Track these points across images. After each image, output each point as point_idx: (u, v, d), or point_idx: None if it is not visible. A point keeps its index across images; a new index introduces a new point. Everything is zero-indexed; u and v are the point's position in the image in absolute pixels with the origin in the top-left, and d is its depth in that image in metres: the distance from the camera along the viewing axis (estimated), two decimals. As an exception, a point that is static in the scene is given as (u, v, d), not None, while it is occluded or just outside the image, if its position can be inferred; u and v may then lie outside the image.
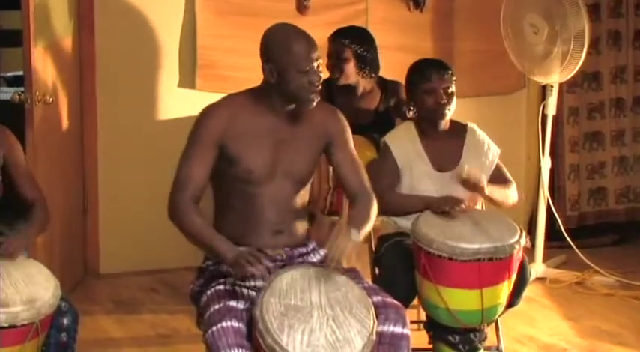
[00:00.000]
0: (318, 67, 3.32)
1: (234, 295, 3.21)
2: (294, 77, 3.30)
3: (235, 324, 3.09)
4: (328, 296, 3.12)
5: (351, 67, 4.96)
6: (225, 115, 3.36)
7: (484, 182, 3.97)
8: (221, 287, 3.26)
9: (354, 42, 4.98)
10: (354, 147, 3.54)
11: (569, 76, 5.50)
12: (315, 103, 3.35)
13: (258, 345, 3.00)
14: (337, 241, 3.22)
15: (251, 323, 3.06)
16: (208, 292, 3.26)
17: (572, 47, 5.33)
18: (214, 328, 3.08)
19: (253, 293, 3.19)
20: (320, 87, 3.36)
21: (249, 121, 3.37)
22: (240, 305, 3.16)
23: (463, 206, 3.89)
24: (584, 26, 5.33)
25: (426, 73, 4.14)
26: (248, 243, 3.34)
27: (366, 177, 3.52)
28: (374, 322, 3.06)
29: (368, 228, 3.38)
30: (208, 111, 3.39)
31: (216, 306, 3.15)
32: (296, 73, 3.29)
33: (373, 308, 3.12)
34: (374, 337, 3.03)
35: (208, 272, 3.42)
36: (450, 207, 3.88)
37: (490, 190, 4.00)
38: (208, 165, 3.34)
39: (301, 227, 3.51)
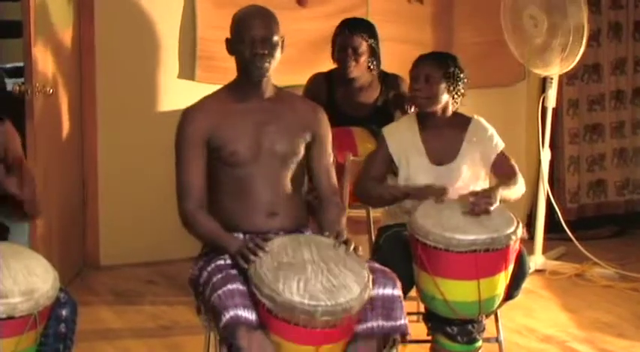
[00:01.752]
0: (263, 40, 3.40)
1: (234, 267, 3.26)
2: (239, 49, 3.43)
3: (241, 287, 3.15)
4: (320, 254, 3.19)
5: (364, 60, 4.98)
6: (203, 113, 3.47)
7: (494, 203, 3.88)
8: (221, 261, 3.32)
9: (369, 35, 5.00)
10: (332, 148, 3.60)
11: (569, 68, 5.49)
12: (264, 73, 3.42)
13: (256, 302, 3.05)
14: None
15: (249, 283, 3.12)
16: (209, 268, 3.32)
17: (571, 39, 5.32)
18: (220, 291, 3.15)
19: None
20: (269, 61, 3.41)
21: (229, 110, 3.46)
22: (242, 278, 3.21)
23: (447, 195, 3.86)
24: (584, 18, 5.31)
25: (418, 60, 4.13)
26: (243, 226, 3.43)
27: (335, 179, 3.62)
28: (369, 274, 3.13)
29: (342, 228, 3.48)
30: (187, 114, 3.50)
31: (219, 276, 3.23)
32: (239, 44, 3.42)
33: (367, 264, 3.19)
34: (370, 285, 3.10)
35: (206, 256, 3.46)
36: (434, 198, 3.85)
37: (501, 197, 3.90)
38: (203, 166, 3.45)
39: (297, 211, 3.53)
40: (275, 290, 2.99)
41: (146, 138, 5.64)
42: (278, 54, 3.46)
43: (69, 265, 5.29)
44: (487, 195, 3.83)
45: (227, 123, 3.43)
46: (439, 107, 4.08)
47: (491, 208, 3.78)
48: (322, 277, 3.06)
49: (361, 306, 3.08)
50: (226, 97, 3.51)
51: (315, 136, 3.55)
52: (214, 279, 3.22)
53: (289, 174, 3.50)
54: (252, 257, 3.18)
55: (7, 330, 2.94)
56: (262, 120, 3.46)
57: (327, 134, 3.60)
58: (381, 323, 3.20)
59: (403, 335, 3.25)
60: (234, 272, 3.23)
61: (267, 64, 3.42)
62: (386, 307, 3.21)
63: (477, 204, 3.78)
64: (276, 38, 3.44)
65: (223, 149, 3.42)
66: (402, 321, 3.24)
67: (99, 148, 5.60)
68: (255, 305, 3.09)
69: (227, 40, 3.51)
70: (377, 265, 3.35)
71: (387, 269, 3.33)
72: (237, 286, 3.15)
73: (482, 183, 4.12)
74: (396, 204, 4.06)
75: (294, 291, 2.99)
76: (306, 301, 2.97)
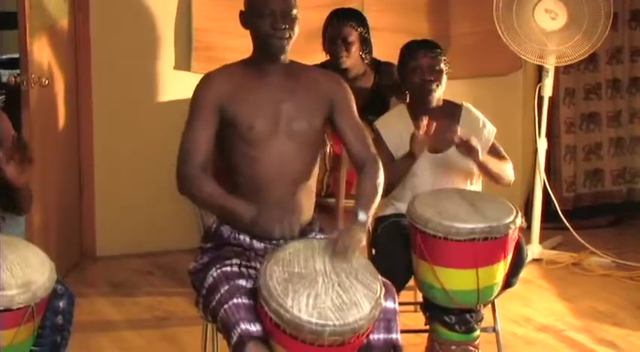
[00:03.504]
0: (283, 14, 3.32)
1: (241, 276, 3.21)
2: (257, 23, 3.34)
3: (246, 301, 3.10)
4: (333, 264, 3.10)
5: (356, 50, 4.97)
6: (221, 81, 3.38)
7: (477, 143, 3.95)
8: (227, 268, 3.23)
9: (358, 24, 4.99)
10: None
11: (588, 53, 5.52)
12: (284, 48, 3.34)
13: (263, 314, 2.99)
14: (348, 232, 3.21)
15: (257, 298, 3.06)
16: (214, 273, 3.23)
17: (602, 22, 5.38)
18: (226, 306, 3.09)
19: None
20: (290, 35, 3.34)
21: (247, 82, 3.37)
22: (249, 284, 3.17)
23: (420, 134, 3.89)
24: (600, 4, 5.34)
25: (413, 51, 4.17)
26: (253, 226, 3.31)
27: (371, 142, 3.50)
28: (381, 288, 3.05)
29: (376, 203, 3.36)
30: (204, 80, 3.41)
31: (226, 286, 3.16)
32: (258, 18, 3.33)
33: (379, 276, 3.11)
34: (382, 301, 3.02)
35: (210, 252, 3.41)
36: (415, 146, 3.89)
37: (485, 158, 4.00)
38: (211, 130, 3.33)
39: (308, 207, 3.47)
40: (283, 305, 2.91)
41: (142, 129, 5.64)
42: (297, 29, 3.37)
43: (65, 256, 5.29)
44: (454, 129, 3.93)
45: (244, 96, 3.34)
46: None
47: (455, 138, 3.88)
48: (333, 292, 2.98)
49: (371, 324, 3.01)
50: (244, 70, 3.41)
51: (335, 103, 3.44)
52: (221, 290, 3.15)
53: (306, 160, 3.41)
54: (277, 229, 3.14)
55: (4, 322, 2.94)
56: (281, 97, 3.37)
57: (350, 99, 3.49)
58: (381, 336, 3.16)
59: (396, 349, 3.20)
60: (241, 282, 3.16)
61: (287, 40, 3.33)
62: (387, 319, 3.16)
63: (465, 135, 3.90)
64: (295, 12, 3.35)
65: (239, 123, 3.32)
66: (395, 335, 3.20)
67: (95, 139, 5.59)
68: (262, 314, 3.03)
69: (241, 13, 3.42)
70: (374, 268, 3.25)
71: (386, 281, 3.25)
72: (242, 301, 3.09)
73: (477, 171, 4.14)
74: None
75: (302, 308, 2.91)
76: (314, 320, 2.89)
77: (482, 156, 4.00)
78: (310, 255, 3.13)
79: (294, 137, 3.37)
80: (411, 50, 4.20)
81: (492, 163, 4.08)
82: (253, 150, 3.35)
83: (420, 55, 4.14)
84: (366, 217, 3.27)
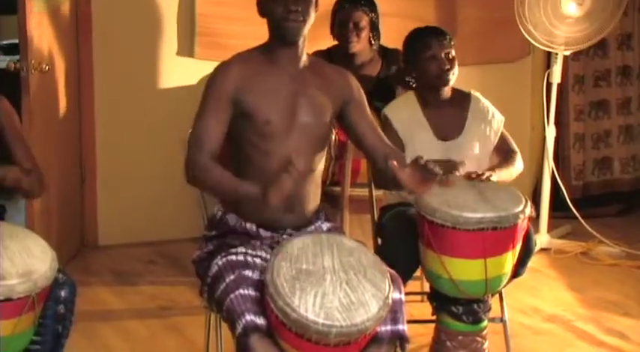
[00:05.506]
0: None
1: (247, 265, 3.20)
2: (271, 7, 3.31)
3: (253, 293, 3.10)
4: (341, 260, 3.08)
5: (366, 35, 4.97)
6: (237, 70, 3.35)
7: (487, 172, 3.93)
8: (233, 257, 3.23)
9: (370, 9, 4.99)
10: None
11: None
12: (299, 32, 3.31)
13: (269, 310, 2.98)
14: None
15: (263, 291, 3.05)
16: (220, 262, 3.23)
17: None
18: (232, 295, 3.09)
19: (266, 263, 3.17)
20: (304, 18, 3.30)
21: (263, 73, 3.36)
22: (255, 275, 3.17)
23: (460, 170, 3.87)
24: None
25: (426, 40, 4.15)
26: (259, 215, 3.34)
27: (384, 135, 3.52)
28: (389, 286, 3.04)
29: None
30: (221, 68, 3.39)
31: (232, 276, 3.15)
32: (271, 2, 3.31)
33: (388, 274, 3.10)
34: (389, 301, 3.01)
35: (216, 240, 3.41)
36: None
37: (497, 176, 3.97)
38: (224, 120, 3.32)
39: (315, 193, 3.47)
40: (290, 304, 2.90)
41: (145, 116, 5.63)
42: (313, 12, 3.33)
43: (67, 245, 5.28)
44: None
45: (261, 89, 3.33)
46: None
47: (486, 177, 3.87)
48: (340, 291, 2.96)
49: (378, 324, 3.00)
50: (260, 58, 3.39)
51: (349, 102, 3.45)
52: (227, 280, 3.15)
53: (316, 154, 3.42)
54: (280, 192, 3.08)
55: (5, 312, 2.93)
56: (296, 90, 3.36)
57: (362, 97, 3.50)
58: (388, 327, 3.14)
59: (402, 340, 3.19)
60: (247, 273, 3.17)
61: (301, 23, 3.30)
62: (392, 310, 3.13)
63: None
64: None
65: (255, 116, 3.31)
66: (401, 326, 3.18)
67: (97, 126, 5.58)
68: (268, 310, 3.02)
69: (258, 1, 3.40)
70: (383, 266, 3.24)
71: (392, 271, 3.24)
72: (249, 292, 3.10)
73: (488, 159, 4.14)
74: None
75: (309, 308, 2.89)
76: (320, 320, 2.87)
77: (494, 175, 3.96)
78: (319, 250, 3.12)
79: (305, 131, 3.38)
80: (423, 39, 4.16)
81: (503, 175, 4.05)
82: (267, 143, 3.35)
83: (435, 44, 4.11)
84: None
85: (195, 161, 3.29)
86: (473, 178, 3.87)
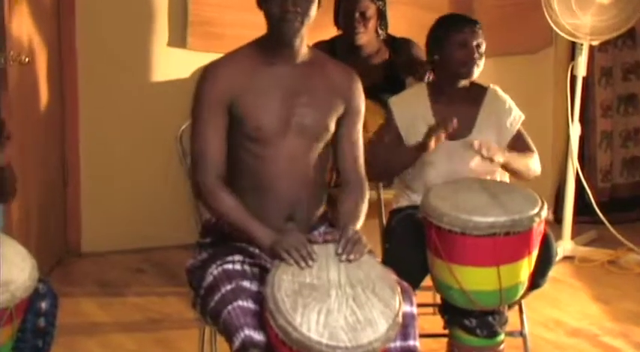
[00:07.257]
0: None
1: (245, 275, 3.23)
2: (268, 5, 3.32)
3: (252, 306, 3.12)
4: (348, 274, 3.09)
5: (373, 25, 4.99)
6: (228, 72, 3.36)
7: (498, 153, 3.94)
8: (229, 266, 3.26)
9: None
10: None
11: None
12: (295, 32, 3.32)
13: (269, 327, 2.98)
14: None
15: (262, 305, 3.06)
16: (215, 271, 3.26)
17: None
18: (230, 307, 3.11)
19: (265, 273, 3.20)
20: (302, 19, 3.31)
21: (257, 73, 3.37)
22: (254, 286, 3.19)
23: (454, 125, 3.88)
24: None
25: (459, 25, 4.13)
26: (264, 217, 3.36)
27: (362, 161, 3.54)
28: (399, 303, 3.05)
29: (359, 223, 3.40)
30: (209, 73, 3.39)
31: (229, 287, 3.18)
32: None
33: (399, 288, 3.11)
34: (400, 319, 3.01)
35: (210, 248, 3.43)
36: (442, 131, 3.89)
37: (507, 158, 3.99)
38: (223, 132, 3.35)
39: (318, 206, 3.50)
40: (291, 323, 2.89)
41: (133, 112, 5.64)
42: (313, 11, 3.34)
43: (48, 253, 5.30)
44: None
45: (254, 91, 3.34)
46: None
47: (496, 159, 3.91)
48: (346, 308, 2.96)
49: (386, 344, 2.99)
50: (253, 57, 3.39)
51: (347, 108, 3.46)
52: (223, 290, 3.18)
53: (316, 156, 3.43)
54: (289, 261, 3.12)
55: (-20, 325, 2.96)
56: (293, 90, 3.37)
57: (361, 106, 3.50)
58: (398, 343, 3.15)
59: None
60: (245, 284, 3.19)
61: (298, 24, 3.30)
62: (404, 325, 3.14)
63: (483, 148, 3.89)
64: None
65: (245, 123, 3.34)
66: (412, 342, 3.20)
67: (81, 123, 5.60)
68: (267, 327, 3.02)
69: None
70: (393, 276, 3.27)
71: (403, 282, 3.27)
72: (248, 304, 3.12)
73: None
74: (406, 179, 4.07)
75: (312, 326, 2.88)
76: (324, 341, 2.86)
77: (504, 156, 3.99)
78: (324, 262, 3.13)
79: (305, 133, 3.39)
80: (456, 23, 4.15)
81: (515, 161, 4.05)
82: (260, 149, 3.37)
83: (468, 30, 4.10)
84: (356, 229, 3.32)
85: (203, 183, 3.34)
86: (484, 157, 3.89)
